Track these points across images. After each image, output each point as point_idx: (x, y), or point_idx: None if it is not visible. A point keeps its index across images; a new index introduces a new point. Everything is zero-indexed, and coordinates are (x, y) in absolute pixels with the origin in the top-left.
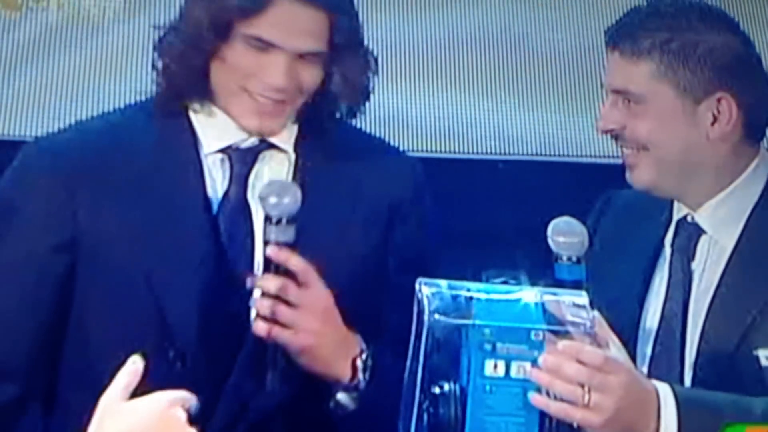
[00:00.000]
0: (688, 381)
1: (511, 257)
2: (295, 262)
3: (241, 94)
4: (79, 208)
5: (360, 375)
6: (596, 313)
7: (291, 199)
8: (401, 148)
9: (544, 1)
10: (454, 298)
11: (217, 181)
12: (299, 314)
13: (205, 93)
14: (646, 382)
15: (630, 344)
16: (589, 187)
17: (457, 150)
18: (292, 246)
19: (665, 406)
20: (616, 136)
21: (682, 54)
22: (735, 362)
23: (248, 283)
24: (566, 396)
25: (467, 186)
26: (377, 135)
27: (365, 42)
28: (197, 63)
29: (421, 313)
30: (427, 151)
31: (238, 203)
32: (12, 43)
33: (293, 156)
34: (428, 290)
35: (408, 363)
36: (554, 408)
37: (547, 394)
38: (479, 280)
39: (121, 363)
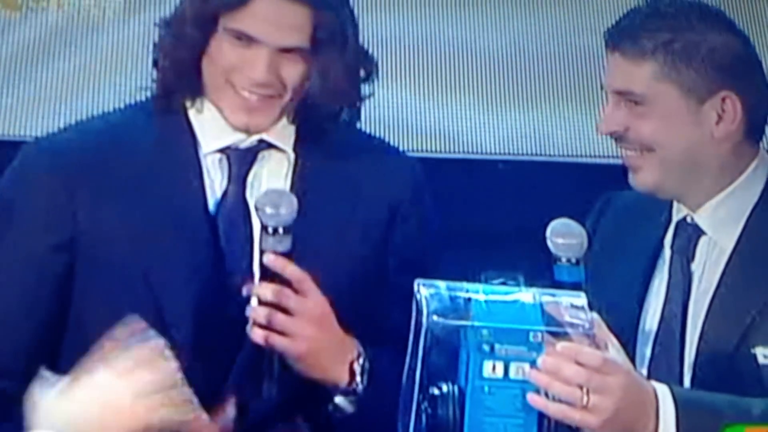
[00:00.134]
0: (687, 382)
1: (510, 258)
2: (291, 270)
3: (227, 89)
4: (78, 208)
5: (358, 379)
6: (595, 314)
7: (287, 209)
8: (400, 149)
9: (544, 2)
10: (453, 299)
11: (215, 181)
12: (296, 321)
13: (197, 90)
14: (645, 383)
15: (629, 345)
16: (589, 187)
17: (456, 150)
18: (289, 254)
19: (664, 407)
20: (618, 138)
21: (686, 54)
22: (734, 363)
23: (245, 291)
24: (565, 397)
25: (467, 186)
26: (376, 135)
27: (362, 42)
28: (185, 58)
29: (419, 314)
30: (426, 151)
31: (236, 203)
32: (12, 43)
33: (292, 156)
34: (427, 291)
35: (406, 364)
36: (553, 409)
37: (546, 395)
38: (478, 280)
39: None
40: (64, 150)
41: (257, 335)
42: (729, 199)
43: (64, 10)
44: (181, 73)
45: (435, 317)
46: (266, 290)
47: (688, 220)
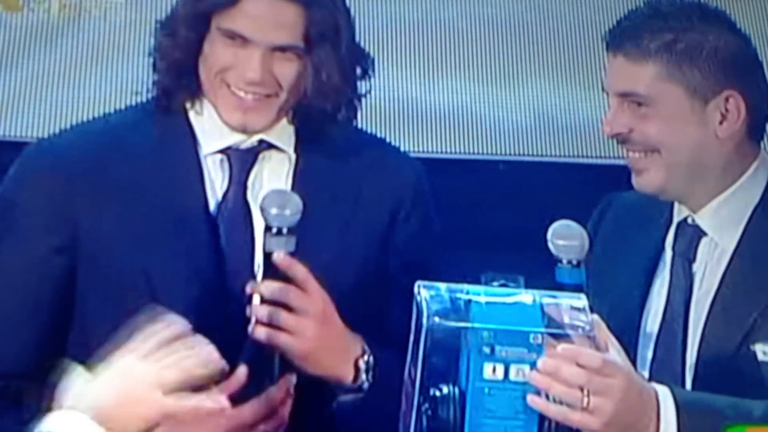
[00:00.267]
0: (689, 383)
1: (511, 259)
2: (297, 269)
3: (222, 89)
4: (79, 210)
5: (363, 376)
6: (595, 316)
7: (292, 210)
8: (400, 149)
9: (547, 3)
10: (453, 301)
11: (216, 182)
12: (300, 319)
13: (195, 90)
14: (646, 384)
15: (631, 347)
16: (590, 188)
17: (457, 150)
18: (292, 255)
19: (664, 409)
20: (622, 140)
21: (689, 54)
22: (736, 364)
23: (247, 289)
24: (565, 399)
25: (467, 187)
26: (377, 134)
27: (360, 41)
28: (181, 59)
29: (419, 315)
30: (426, 151)
31: (237, 204)
32: (13, 44)
33: (293, 156)
34: (427, 293)
35: (407, 366)
36: (553, 411)
37: (546, 397)
38: (478, 282)
39: None
40: (65, 151)
41: (261, 333)
42: (730, 200)
43: (66, 10)
44: (179, 74)
45: (435, 319)
46: (271, 288)
47: (689, 221)
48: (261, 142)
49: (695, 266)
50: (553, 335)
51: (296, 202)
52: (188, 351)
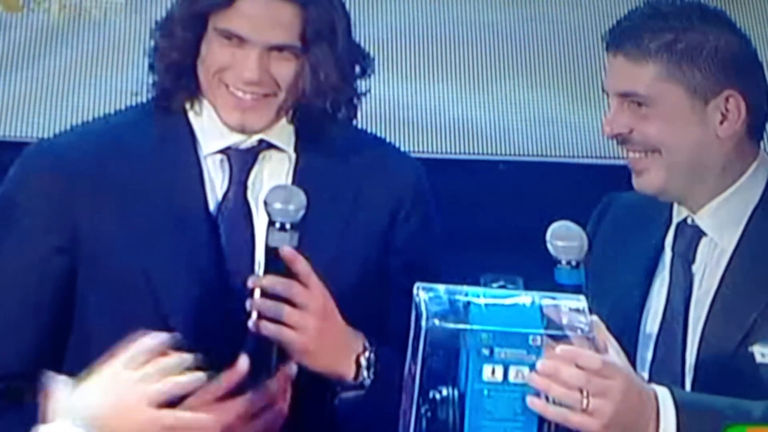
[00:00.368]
0: (688, 384)
1: (510, 260)
2: (300, 264)
3: (221, 89)
4: (79, 210)
5: (364, 373)
6: (594, 317)
7: (296, 206)
8: (401, 149)
9: (547, 3)
10: (452, 302)
11: (216, 182)
12: (302, 314)
13: (194, 91)
14: (645, 386)
15: (630, 347)
16: (590, 188)
17: (457, 150)
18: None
19: (664, 410)
20: (622, 141)
21: (690, 54)
22: (736, 365)
23: (249, 283)
24: (564, 400)
25: (467, 187)
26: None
27: (363, 39)
28: (179, 60)
29: (418, 317)
30: (426, 151)
31: (237, 204)
32: (13, 44)
33: (293, 156)
34: (426, 295)
35: (406, 368)
36: (552, 412)
37: (546, 398)
38: (478, 283)
39: None
40: (65, 152)
41: (265, 327)
42: (730, 200)
43: (66, 11)
44: (177, 75)
45: (434, 321)
46: (274, 282)
47: (689, 221)
48: (261, 141)
49: (695, 267)
50: (552, 337)
51: (301, 197)
52: (170, 361)
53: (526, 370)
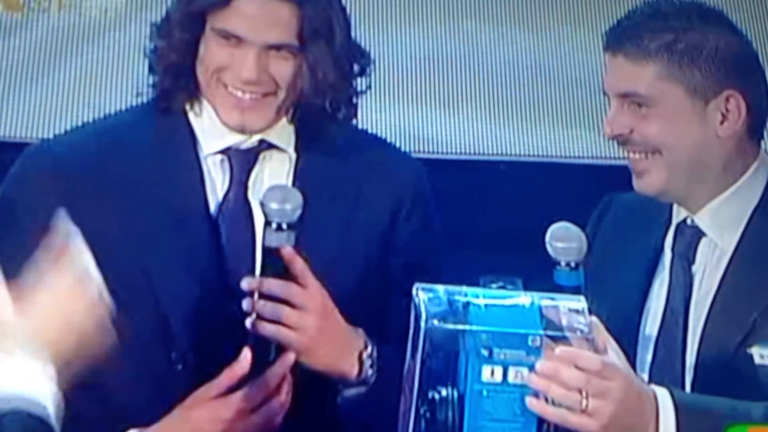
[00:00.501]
0: (688, 385)
1: (511, 259)
2: (296, 264)
3: (219, 89)
4: (79, 210)
5: (367, 369)
6: (594, 318)
7: (293, 206)
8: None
9: (542, 7)
10: (452, 303)
11: (217, 182)
12: (302, 315)
13: (194, 91)
14: (645, 387)
15: (630, 348)
16: (590, 189)
17: (457, 151)
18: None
19: (663, 411)
20: (623, 141)
21: (690, 54)
22: (736, 365)
23: (246, 285)
24: (564, 401)
25: (467, 188)
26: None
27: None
28: (177, 60)
29: (418, 318)
30: (426, 152)
31: (238, 204)
32: (13, 44)
33: (294, 156)
34: (425, 295)
35: (405, 368)
36: (552, 413)
37: (545, 399)
38: (477, 283)
39: (123, 365)
40: (65, 152)
41: (264, 328)
42: (730, 201)
43: (66, 11)
44: (177, 75)
45: (434, 322)
46: (274, 285)
47: (689, 222)
48: (261, 142)
49: (695, 267)
50: (551, 338)
51: (297, 197)
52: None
53: (525, 370)
